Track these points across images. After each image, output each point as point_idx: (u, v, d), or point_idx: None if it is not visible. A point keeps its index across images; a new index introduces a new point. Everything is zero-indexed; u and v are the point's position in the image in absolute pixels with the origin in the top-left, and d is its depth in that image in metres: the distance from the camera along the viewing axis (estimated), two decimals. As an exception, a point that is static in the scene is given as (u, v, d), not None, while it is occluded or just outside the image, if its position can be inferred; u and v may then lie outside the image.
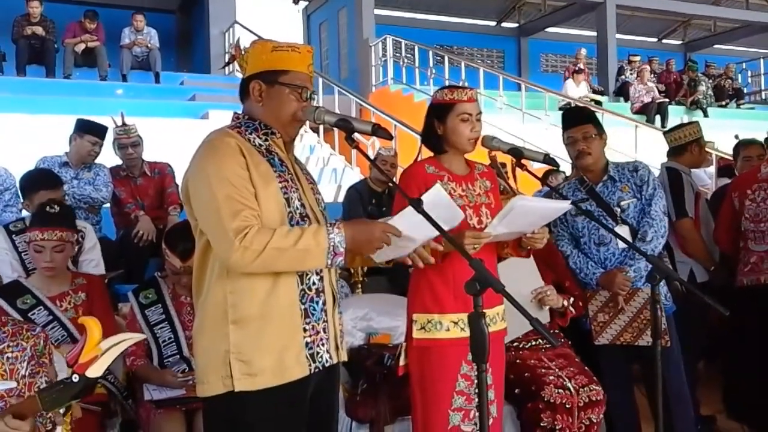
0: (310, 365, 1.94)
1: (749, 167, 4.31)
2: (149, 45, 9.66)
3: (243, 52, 2.06)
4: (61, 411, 1.67)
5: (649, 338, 2.80)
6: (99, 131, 4.44)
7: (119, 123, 4.58)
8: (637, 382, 3.24)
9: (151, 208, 4.63)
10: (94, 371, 1.56)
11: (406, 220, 1.92)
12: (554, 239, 3.21)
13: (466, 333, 1.75)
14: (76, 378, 1.56)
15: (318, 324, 1.97)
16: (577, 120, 3.20)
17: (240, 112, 2.08)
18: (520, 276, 2.86)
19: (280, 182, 1.94)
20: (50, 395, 1.57)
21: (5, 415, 1.59)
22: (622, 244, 3.00)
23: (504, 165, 3.27)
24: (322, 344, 1.97)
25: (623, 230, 3.04)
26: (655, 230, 3.03)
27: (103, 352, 1.56)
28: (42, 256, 2.92)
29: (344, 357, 2.10)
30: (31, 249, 2.97)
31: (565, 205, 2.42)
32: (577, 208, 2.99)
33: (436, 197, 1.97)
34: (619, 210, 3.08)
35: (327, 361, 1.99)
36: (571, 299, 3.14)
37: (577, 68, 11.23)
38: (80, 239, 3.52)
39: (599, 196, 3.13)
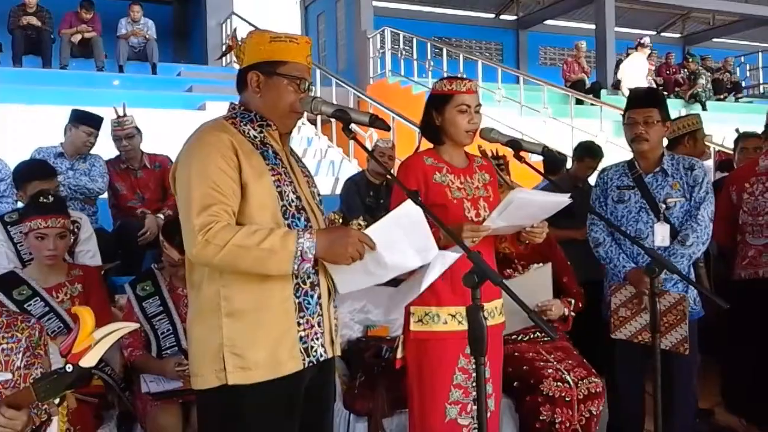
0: (304, 359, 1.92)
1: (746, 159, 4.31)
2: (146, 36, 9.63)
3: (240, 43, 2.03)
4: (56, 401, 1.65)
5: (668, 342, 2.75)
6: (94, 122, 4.42)
7: (120, 113, 4.56)
8: (646, 379, 3.21)
9: (151, 201, 4.61)
10: (88, 361, 1.55)
11: (383, 233, 1.87)
12: (588, 224, 3.12)
13: (464, 326, 1.74)
14: (69, 368, 1.55)
15: (312, 318, 1.95)
16: (642, 101, 2.99)
17: (237, 102, 2.06)
18: (534, 287, 2.80)
19: (273, 175, 1.92)
20: (44, 385, 1.55)
21: (0, 406, 1.58)
22: (658, 242, 2.89)
23: (504, 157, 3.26)
24: (317, 338, 1.96)
25: (663, 228, 2.91)
26: (697, 235, 2.89)
27: (96, 342, 1.55)
28: (45, 244, 2.91)
29: (339, 351, 2.08)
30: (31, 238, 2.95)
31: (564, 199, 2.40)
32: (593, 211, 2.94)
33: (411, 215, 1.90)
34: (663, 206, 2.94)
35: (321, 355, 1.97)
36: (572, 303, 3.16)
37: (641, 41, 10.75)
38: (76, 230, 3.51)
39: (646, 187, 2.98)
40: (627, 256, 2.99)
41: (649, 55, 11.73)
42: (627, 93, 10.01)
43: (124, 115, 4.56)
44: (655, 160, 3.02)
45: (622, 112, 3.15)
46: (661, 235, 2.93)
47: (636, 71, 10.58)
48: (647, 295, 2.83)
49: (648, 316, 2.85)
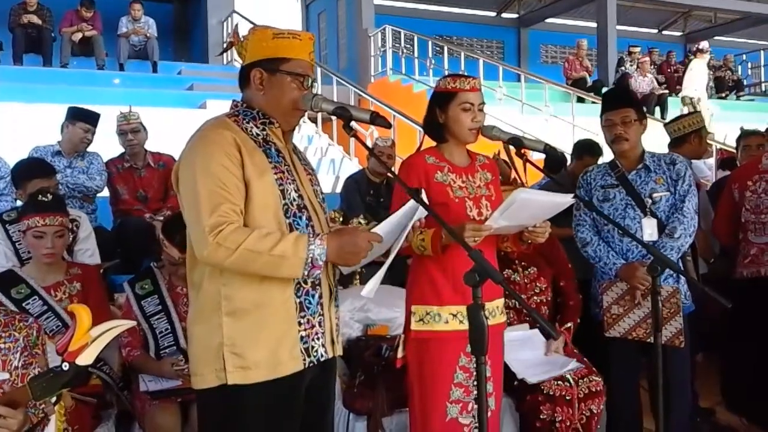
0: (304, 359, 1.91)
1: (748, 157, 4.30)
2: (147, 34, 9.60)
3: (242, 39, 2.01)
4: (52, 400, 1.64)
5: (664, 336, 2.73)
6: (91, 118, 4.40)
7: (124, 111, 4.58)
8: (641, 375, 3.20)
9: (154, 200, 4.60)
10: (85, 359, 1.53)
11: (389, 227, 1.91)
12: (574, 224, 3.12)
13: (465, 326, 1.73)
14: (66, 366, 1.53)
15: (313, 318, 1.94)
16: (618, 102, 3.04)
17: (239, 100, 2.04)
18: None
19: (275, 173, 1.91)
20: (40, 384, 1.54)
21: None
22: (647, 236, 2.90)
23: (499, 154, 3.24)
24: (317, 338, 1.95)
25: (650, 223, 2.93)
26: (684, 227, 2.91)
27: (92, 340, 1.53)
28: (43, 242, 2.89)
29: (340, 351, 2.07)
30: (29, 237, 2.93)
31: (567, 200, 2.39)
32: (586, 203, 2.94)
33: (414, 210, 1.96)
34: (650, 201, 2.95)
35: (322, 355, 1.96)
36: (570, 330, 3.22)
37: (699, 47, 10.53)
38: (75, 228, 3.50)
39: (630, 184, 3.00)
40: (616, 253, 2.99)
41: (649, 62, 11.71)
42: (688, 102, 9.88)
43: (127, 112, 4.56)
44: (636, 158, 3.05)
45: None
46: (649, 230, 2.94)
47: (698, 78, 10.47)
48: (640, 291, 2.87)
49: (641, 312, 2.89)
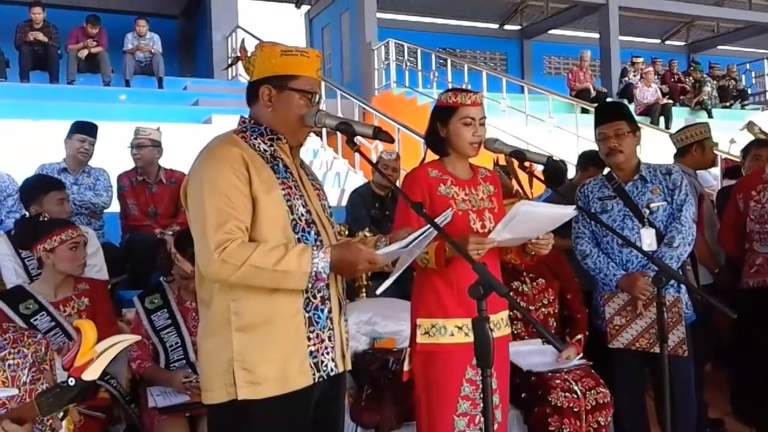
0: (314, 374, 1.92)
1: (756, 167, 4.30)
2: (152, 50, 9.67)
3: (249, 55, 2.03)
4: (60, 415, 1.65)
5: (667, 345, 2.76)
6: (86, 129, 4.43)
7: (140, 126, 4.63)
8: (647, 386, 3.20)
9: (164, 216, 4.61)
10: (90, 374, 1.54)
11: (395, 249, 1.92)
12: (573, 237, 3.13)
13: (471, 338, 1.74)
14: (72, 381, 1.54)
15: (323, 332, 1.95)
16: (610, 116, 3.07)
17: (246, 116, 2.06)
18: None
19: (283, 189, 1.92)
20: (47, 399, 1.55)
21: (2, 420, 1.58)
22: (646, 246, 2.90)
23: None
24: (327, 353, 1.95)
25: (649, 233, 2.94)
26: (683, 236, 2.92)
27: (98, 355, 1.55)
28: (80, 253, 3.00)
29: (350, 366, 2.07)
30: (63, 251, 2.95)
31: (569, 211, 2.40)
32: (587, 213, 2.94)
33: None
34: (647, 212, 2.98)
35: (332, 370, 1.96)
36: (581, 342, 3.21)
37: None
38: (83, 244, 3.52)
39: (627, 195, 3.02)
40: (616, 264, 3.00)
41: (652, 72, 11.66)
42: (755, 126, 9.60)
43: (157, 130, 4.60)
44: (632, 169, 3.07)
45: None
46: (648, 240, 2.95)
47: None
48: (641, 301, 2.88)
49: (643, 322, 2.90)
